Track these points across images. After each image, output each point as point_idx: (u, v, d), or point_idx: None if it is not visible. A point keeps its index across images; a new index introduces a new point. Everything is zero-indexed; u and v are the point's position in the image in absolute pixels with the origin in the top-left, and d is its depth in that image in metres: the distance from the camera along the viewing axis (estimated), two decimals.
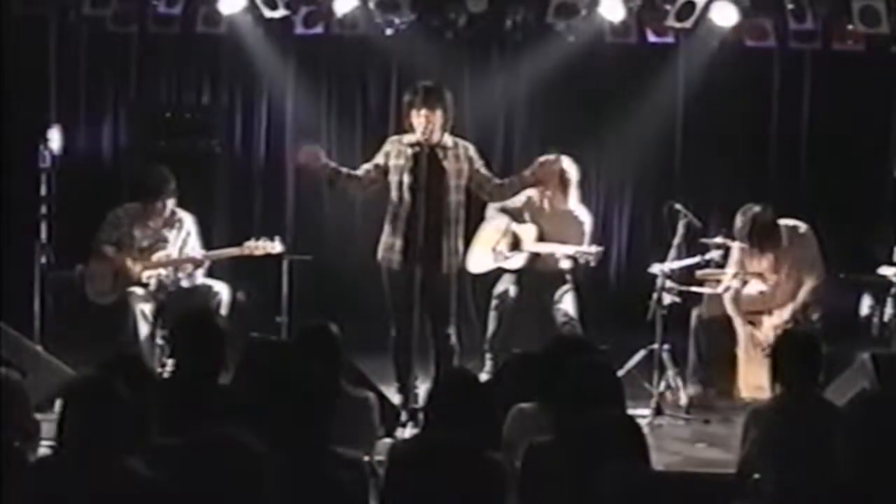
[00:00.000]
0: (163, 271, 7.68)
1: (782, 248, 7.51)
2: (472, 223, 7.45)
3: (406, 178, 6.86)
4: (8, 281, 8.19)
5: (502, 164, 9.40)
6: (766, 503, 4.38)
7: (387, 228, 6.98)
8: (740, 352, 7.47)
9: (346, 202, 9.61)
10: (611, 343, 7.15)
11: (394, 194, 6.93)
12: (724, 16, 9.08)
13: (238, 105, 10.18)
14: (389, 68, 10.04)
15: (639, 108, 9.83)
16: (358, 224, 9.62)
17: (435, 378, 5.88)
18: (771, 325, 7.42)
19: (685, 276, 7.69)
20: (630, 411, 4.51)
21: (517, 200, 7.74)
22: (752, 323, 7.52)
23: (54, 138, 7.85)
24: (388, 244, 6.96)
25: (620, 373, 6.26)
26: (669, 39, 9.62)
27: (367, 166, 7.06)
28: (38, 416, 4.93)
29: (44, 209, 7.73)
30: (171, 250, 7.71)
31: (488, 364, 7.82)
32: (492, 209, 7.84)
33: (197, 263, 7.76)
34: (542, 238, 7.76)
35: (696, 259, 7.62)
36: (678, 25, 9.20)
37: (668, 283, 7.44)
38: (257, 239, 7.68)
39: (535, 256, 7.76)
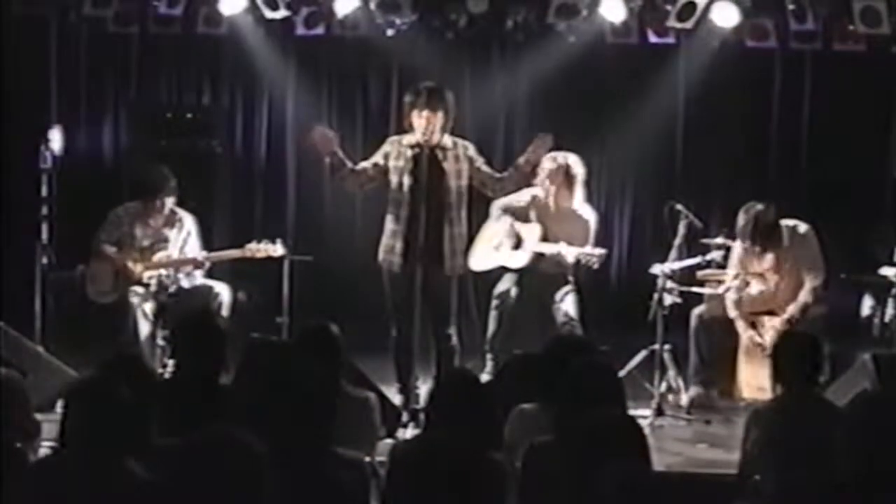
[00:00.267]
0: (163, 271, 7.68)
1: (783, 247, 7.51)
2: (475, 222, 7.45)
3: (406, 180, 6.85)
4: (8, 281, 8.20)
5: (503, 164, 9.27)
6: (767, 503, 4.38)
7: (387, 230, 6.98)
8: (741, 352, 7.47)
9: (347, 203, 9.62)
10: (612, 343, 7.16)
11: (394, 196, 6.92)
12: (725, 16, 9.07)
13: (239, 106, 10.18)
14: (390, 69, 10.03)
15: (639, 108, 9.82)
16: (358, 225, 9.62)
17: (436, 378, 5.87)
18: (772, 326, 7.42)
19: (686, 276, 7.70)
20: (631, 412, 4.50)
21: (522, 199, 7.73)
22: (753, 323, 7.52)
23: (55, 139, 7.83)
24: (389, 246, 6.96)
25: (621, 373, 6.25)
26: (670, 40, 9.61)
27: (365, 164, 7.05)
28: (39, 416, 4.93)
29: (44, 209, 7.71)
30: (172, 250, 7.72)
31: (489, 364, 7.79)
32: (496, 208, 7.81)
33: (198, 264, 7.77)
34: (546, 238, 7.74)
35: (697, 259, 7.62)
36: (679, 26, 9.19)
37: (669, 284, 7.44)
38: (259, 241, 7.69)
39: (538, 256, 7.76)
